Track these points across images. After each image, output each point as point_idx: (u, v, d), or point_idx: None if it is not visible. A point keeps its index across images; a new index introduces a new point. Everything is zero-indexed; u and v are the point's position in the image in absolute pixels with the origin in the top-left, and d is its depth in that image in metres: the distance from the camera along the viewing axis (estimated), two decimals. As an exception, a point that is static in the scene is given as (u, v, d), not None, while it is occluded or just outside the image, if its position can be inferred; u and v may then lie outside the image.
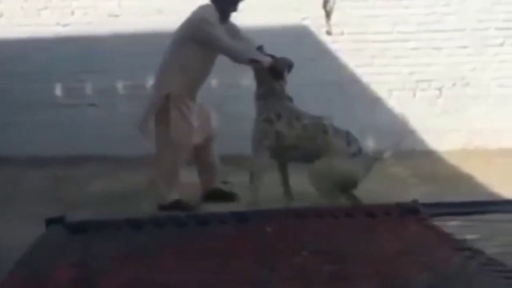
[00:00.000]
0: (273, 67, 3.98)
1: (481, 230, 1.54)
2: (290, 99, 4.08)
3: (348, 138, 3.97)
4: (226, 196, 4.39)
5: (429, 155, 5.82)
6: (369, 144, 5.53)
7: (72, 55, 5.81)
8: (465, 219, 1.62)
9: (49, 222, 1.63)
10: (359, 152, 3.96)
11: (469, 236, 1.51)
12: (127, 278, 1.33)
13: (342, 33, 5.88)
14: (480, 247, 1.41)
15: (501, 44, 5.95)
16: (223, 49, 4.05)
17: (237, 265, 1.39)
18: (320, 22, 5.84)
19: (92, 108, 5.99)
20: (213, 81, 5.33)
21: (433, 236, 1.52)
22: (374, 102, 5.97)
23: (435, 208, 1.68)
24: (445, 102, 6.02)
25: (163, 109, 4.12)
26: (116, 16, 5.84)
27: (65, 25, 5.87)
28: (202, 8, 4.10)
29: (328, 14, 5.81)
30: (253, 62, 3.99)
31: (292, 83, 4.19)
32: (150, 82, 5.89)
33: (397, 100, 6.00)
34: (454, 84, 6.00)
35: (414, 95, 6.03)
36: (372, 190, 3.97)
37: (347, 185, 3.93)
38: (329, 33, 5.86)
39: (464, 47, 5.94)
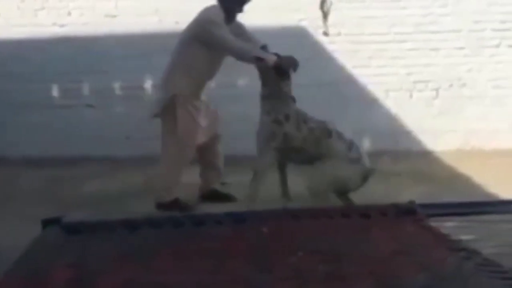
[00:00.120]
0: (278, 65, 3.92)
1: (478, 230, 1.54)
2: (293, 99, 4.06)
3: (350, 143, 3.98)
4: (222, 198, 4.39)
5: (426, 156, 5.84)
6: (366, 144, 5.55)
7: (69, 55, 5.81)
8: (461, 219, 1.61)
9: (46, 223, 1.62)
10: (358, 159, 3.96)
11: (465, 237, 1.51)
12: (123, 279, 1.33)
13: (339, 34, 5.89)
14: (476, 248, 1.41)
15: (497, 45, 5.96)
16: (228, 49, 4.03)
17: (233, 266, 1.39)
18: (317, 23, 5.84)
19: (89, 109, 5.98)
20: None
21: (429, 237, 1.52)
22: (371, 103, 5.97)
23: (432, 209, 1.68)
24: (442, 103, 6.03)
25: (170, 109, 4.10)
26: (113, 16, 5.83)
27: (62, 26, 5.86)
28: (208, 9, 4.09)
29: (325, 15, 5.81)
30: (258, 60, 3.93)
31: (289, 84, 4.18)
32: (147, 83, 5.94)
33: (394, 101, 6.01)
34: (450, 85, 6.01)
35: (411, 96, 6.04)
36: (369, 190, 3.98)
37: (340, 190, 3.95)
38: (326, 34, 5.86)
39: (461, 48, 5.95)
